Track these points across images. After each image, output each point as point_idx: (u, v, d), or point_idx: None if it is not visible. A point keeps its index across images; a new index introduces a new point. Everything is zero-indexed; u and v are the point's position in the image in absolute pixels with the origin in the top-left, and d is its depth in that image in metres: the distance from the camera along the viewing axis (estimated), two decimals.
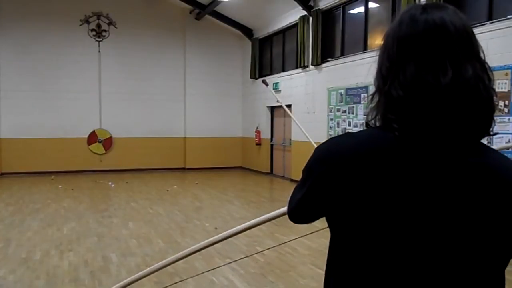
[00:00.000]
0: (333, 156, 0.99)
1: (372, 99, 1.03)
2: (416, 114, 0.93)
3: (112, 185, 11.05)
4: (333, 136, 1.06)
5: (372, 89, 1.06)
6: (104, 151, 13.68)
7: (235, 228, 1.95)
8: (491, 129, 0.97)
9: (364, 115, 1.08)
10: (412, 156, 0.94)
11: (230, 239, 6.75)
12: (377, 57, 1.04)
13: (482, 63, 0.97)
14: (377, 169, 0.95)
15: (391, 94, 0.96)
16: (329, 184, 0.99)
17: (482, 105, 0.94)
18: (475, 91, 0.93)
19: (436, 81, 0.92)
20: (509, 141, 6.01)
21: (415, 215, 0.93)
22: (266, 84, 5.18)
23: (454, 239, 0.93)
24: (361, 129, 1.11)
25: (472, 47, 0.97)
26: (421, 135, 0.94)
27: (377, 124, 1.02)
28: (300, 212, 1.12)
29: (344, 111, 9.78)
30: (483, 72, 0.96)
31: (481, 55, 0.98)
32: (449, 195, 0.93)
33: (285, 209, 1.37)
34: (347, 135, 1.03)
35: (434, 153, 0.94)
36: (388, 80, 0.98)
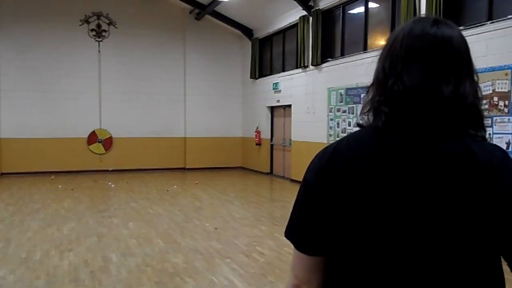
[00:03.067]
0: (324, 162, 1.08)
1: (367, 91, 1.07)
2: (410, 111, 0.99)
3: (112, 185, 11.06)
4: (332, 138, 1.12)
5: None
6: (104, 151, 13.68)
7: None
8: (480, 133, 1.03)
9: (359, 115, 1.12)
10: (395, 156, 0.99)
11: (230, 239, 6.69)
12: (380, 54, 1.08)
13: (476, 84, 1.04)
14: (362, 172, 1.01)
15: (393, 89, 1.01)
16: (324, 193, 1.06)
17: (473, 117, 1.02)
18: (471, 105, 1.01)
19: (438, 89, 0.99)
20: (509, 141, 6.01)
21: (397, 213, 0.97)
22: None
23: (441, 234, 0.95)
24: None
25: (470, 67, 1.04)
26: (409, 130, 0.99)
27: (370, 119, 1.06)
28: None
29: (344, 111, 9.78)
30: (476, 91, 1.04)
31: (475, 77, 1.05)
32: (433, 192, 0.95)
33: None
34: (338, 141, 1.10)
35: (417, 152, 0.98)
36: (391, 77, 1.02)
